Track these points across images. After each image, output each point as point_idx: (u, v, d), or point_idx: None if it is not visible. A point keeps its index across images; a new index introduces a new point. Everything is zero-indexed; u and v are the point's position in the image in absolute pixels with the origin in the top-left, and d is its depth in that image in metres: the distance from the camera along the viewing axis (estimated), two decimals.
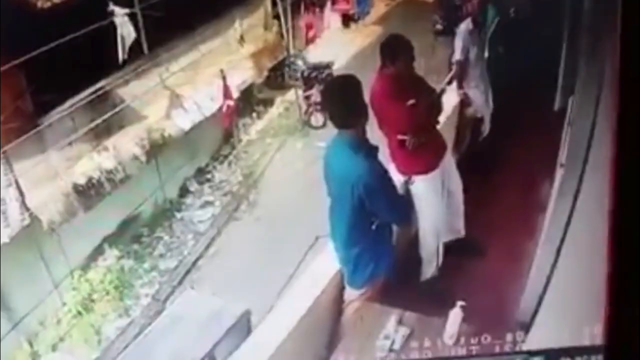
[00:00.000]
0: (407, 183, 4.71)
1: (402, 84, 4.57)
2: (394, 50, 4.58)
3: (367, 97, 4.10)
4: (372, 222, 4.00)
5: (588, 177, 3.13)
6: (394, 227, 4.29)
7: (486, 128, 6.45)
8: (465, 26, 6.23)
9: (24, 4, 6.61)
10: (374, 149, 3.92)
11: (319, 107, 11.38)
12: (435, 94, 5.01)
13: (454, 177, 5.00)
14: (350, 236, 4.08)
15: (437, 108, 4.90)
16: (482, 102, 6.36)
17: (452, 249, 5.00)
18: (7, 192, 6.68)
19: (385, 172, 4.02)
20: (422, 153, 4.68)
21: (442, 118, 5.07)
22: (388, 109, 4.52)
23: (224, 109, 9.55)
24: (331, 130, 3.96)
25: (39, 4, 6.81)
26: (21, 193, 6.78)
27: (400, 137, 4.61)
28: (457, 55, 6.25)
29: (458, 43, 6.24)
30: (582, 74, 3.28)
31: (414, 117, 4.59)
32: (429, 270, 4.93)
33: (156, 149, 8.39)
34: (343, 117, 3.85)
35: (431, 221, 4.83)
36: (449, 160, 4.97)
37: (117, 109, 8.00)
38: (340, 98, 3.89)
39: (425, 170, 4.74)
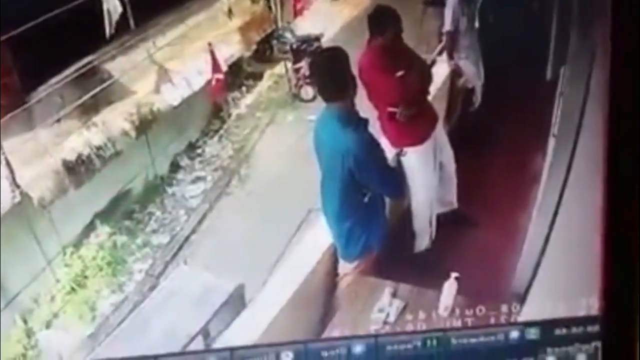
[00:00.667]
0: (398, 155, 4.71)
1: (391, 55, 4.57)
2: (381, 21, 4.57)
3: (355, 70, 4.09)
4: (364, 195, 4.01)
5: (581, 148, 3.14)
6: (386, 200, 4.29)
7: (477, 99, 6.46)
8: None
9: None
10: (364, 121, 3.91)
11: (308, 80, 11.32)
12: (425, 65, 5.00)
13: (445, 149, 5.01)
14: (342, 210, 4.09)
15: (428, 79, 4.89)
16: (473, 73, 6.36)
17: (446, 221, 5.02)
18: None
19: (377, 144, 4.03)
20: (413, 124, 4.68)
21: (432, 89, 5.06)
22: (377, 81, 4.51)
23: (213, 82, 9.49)
24: (321, 104, 3.95)
25: None
26: (11, 170, 6.74)
27: (390, 109, 4.61)
28: (447, 26, 6.23)
29: (448, 13, 6.22)
30: (574, 43, 3.28)
31: (404, 88, 4.59)
32: (422, 242, 4.95)
33: (146, 124, 8.34)
34: (331, 90, 3.85)
35: (424, 193, 4.84)
36: (440, 132, 4.98)
37: (105, 85, 7.93)
38: (327, 71, 3.90)
39: (417, 142, 4.74)
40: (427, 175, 4.81)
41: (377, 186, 4.02)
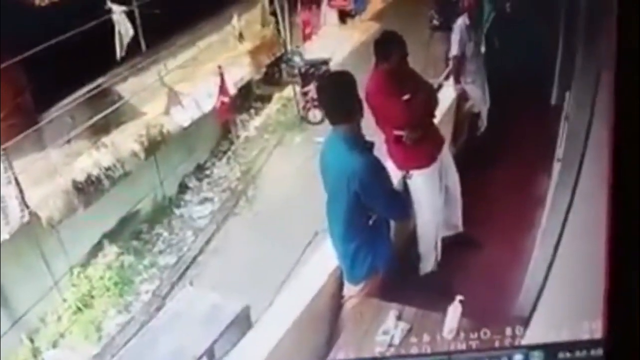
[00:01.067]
0: (404, 177, 4.71)
1: (396, 79, 4.59)
2: (387, 46, 4.60)
3: (362, 93, 4.10)
4: (369, 217, 4.00)
5: (585, 171, 3.14)
6: (392, 223, 4.29)
7: (483, 123, 6.48)
8: (462, 21, 6.24)
9: (22, 1, 6.59)
10: (370, 144, 3.92)
11: (316, 103, 11.38)
12: (431, 88, 5.02)
13: (451, 172, 5.01)
14: (347, 232, 4.08)
15: (433, 102, 4.91)
16: (479, 97, 6.38)
17: (451, 244, 5.00)
18: (6, 189, 6.68)
19: (382, 167, 4.03)
20: (419, 147, 4.69)
21: (439, 113, 5.07)
22: (384, 104, 4.54)
23: (218, 105, 9.53)
24: (329, 126, 3.97)
25: (37, 1, 6.79)
26: (21, 190, 6.78)
27: (397, 132, 4.62)
28: (454, 51, 6.26)
29: (455, 38, 6.26)
30: (579, 68, 3.29)
31: (410, 111, 4.61)
32: (427, 265, 4.94)
33: (155, 146, 8.38)
34: (337, 113, 3.86)
35: (429, 216, 4.85)
36: (447, 155, 4.98)
37: (115, 106, 7.99)
38: (334, 94, 3.90)
39: (423, 165, 4.75)
40: (433, 198, 4.81)
41: (381, 209, 4.03)
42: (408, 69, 4.67)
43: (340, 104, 3.83)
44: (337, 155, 3.90)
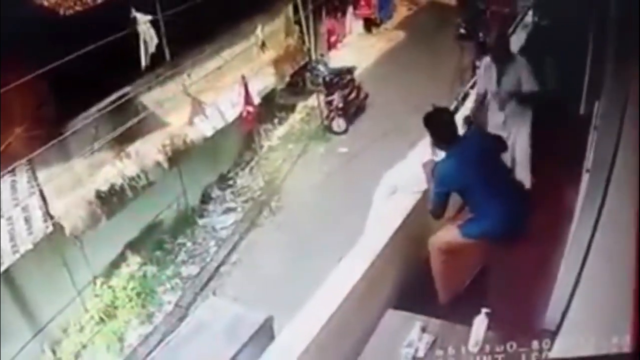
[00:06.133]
0: None
1: None
2: None
3: None
4: None
5: (614, 183, 3.08)
6: None
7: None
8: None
9: (47, 11, 6.61)
10: None
11: (340, 112, 11.39)
12: None
13: None
14: None
15: None
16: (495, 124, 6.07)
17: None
18: (30, 199, 6.69)
19: None
20: None
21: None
22: None
23: (244, 114, 9.55)
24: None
25: (62, 11, 6.80)
26: (44, 200, 6.78)
27: None
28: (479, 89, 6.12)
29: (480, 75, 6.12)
30: (609, 77, 3.25)
31: None
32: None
33: (178, 156, 8.39)
34: None
35: None
36: None
37: (140, 116, 7.99)
38: None
39: None
40: None
41: None
42: None
43: None
44: None
